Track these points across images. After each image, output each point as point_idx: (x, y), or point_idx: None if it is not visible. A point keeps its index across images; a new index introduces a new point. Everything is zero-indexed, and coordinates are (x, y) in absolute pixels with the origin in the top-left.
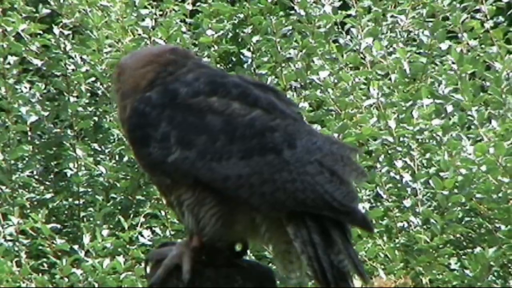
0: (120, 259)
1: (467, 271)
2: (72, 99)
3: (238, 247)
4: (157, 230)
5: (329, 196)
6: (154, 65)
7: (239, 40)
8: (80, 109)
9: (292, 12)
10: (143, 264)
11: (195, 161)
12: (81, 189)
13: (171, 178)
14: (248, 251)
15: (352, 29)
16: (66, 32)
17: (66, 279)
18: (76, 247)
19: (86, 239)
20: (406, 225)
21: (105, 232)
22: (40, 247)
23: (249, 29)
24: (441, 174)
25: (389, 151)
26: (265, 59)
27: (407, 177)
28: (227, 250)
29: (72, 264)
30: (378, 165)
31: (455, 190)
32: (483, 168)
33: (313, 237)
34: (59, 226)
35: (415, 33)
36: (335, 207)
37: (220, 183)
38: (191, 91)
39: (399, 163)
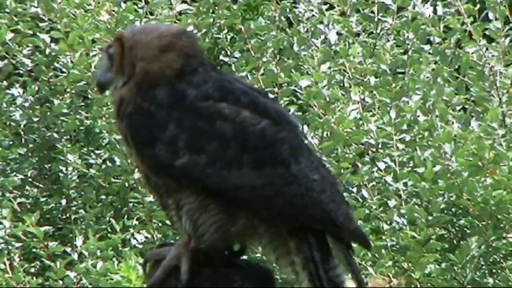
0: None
1: (456, 268)
2: (56, 102)
3: (236, 247)
4: (146, 234)
5: (334, 214)
6: (176, 52)
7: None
8: (65, 111)
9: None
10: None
11: (205, 167)
12: (73, 191)
13: (177, 182)
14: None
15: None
16: (47, 33)
17: (60, 282)
18: (69, 249)
19: (79, 241)
20: (392, 226)
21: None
22: (34, 250)
23: (223, 34)
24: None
25: (371, 153)
26: (237, 55)
27: (388, 178)
28: (226, 250)
29: (66, 266)
30: (360, 165)
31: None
32: (465, 173)
33: (314, 255)
34: (52, 229)
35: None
36: (338, 226)
37: (232, 192)
38: (200, 94)
39: (381, 165)
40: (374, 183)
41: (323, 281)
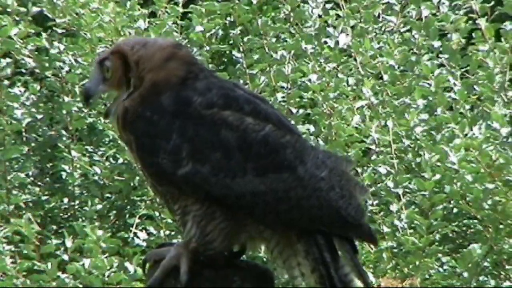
0: (111, 259)
1: (457, 270)
2: (66, 99)
3: (236, 248)
4: (152, 230)
5: (344, 211)
6: (179, 61)
7: (230, 41)
8: (75, 109)
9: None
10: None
11: (208, 176)
12: (76, 190)
13: (180, 190)
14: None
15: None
16: (59, 31)
17: (54, 283)
18: (65, 250)
19: (69, 242)
20: (392, 229)
21: (100, 232)
22: (25, 251)
23: (237, 30)
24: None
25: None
26: (256, 57)
27: (389, 183)
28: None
29: (61, 267)
30: (360, 170)
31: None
32: (469, 177)
33: (325, 256)
34: (55, 227)
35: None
36: (349, 222)
37: (234, 200)
38: (205, 101)
39: (382, 170)
40: (373, 188)
41: (335, 281)
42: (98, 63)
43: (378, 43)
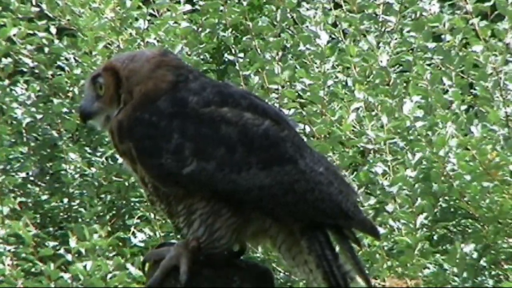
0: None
1: (455, 270)
2: (56, 101)
3: (236, 248)
4: (147, 231)
5: (344, 205)
6: (166, 67)
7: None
8: (64, 110)
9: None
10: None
11: (214, 173)
12: (74, 190)
13: (186, 189)
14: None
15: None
16: (53, 31)
17: (52, 284)
18: (66, 250)
19: (73, 242)
20: (389, 230)
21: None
22: (23, 255)
23: (228, 32)
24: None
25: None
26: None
27: (385, 182)
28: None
29: (61, 267)
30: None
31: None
32: (468, 177)
33: (326, 253)
34: (53, 228)
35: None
36: (351, 216)
37: (243, 194)
38: (201, 100)
39: (379, 169)
40: (366, 186)
41: (338, 279)
42: (91, 80)
43: (378, 44)
